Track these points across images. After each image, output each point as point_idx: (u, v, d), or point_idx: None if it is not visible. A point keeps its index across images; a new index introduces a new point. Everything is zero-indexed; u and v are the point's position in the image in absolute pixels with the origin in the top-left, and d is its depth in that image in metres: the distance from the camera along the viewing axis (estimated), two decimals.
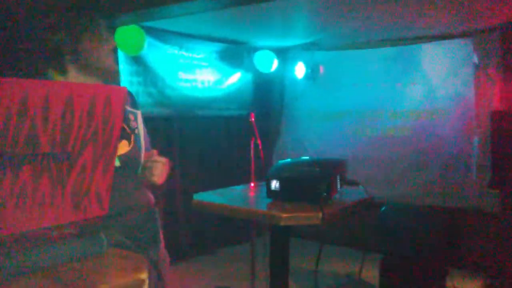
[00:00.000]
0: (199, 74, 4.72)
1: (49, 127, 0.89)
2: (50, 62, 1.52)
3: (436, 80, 4.56)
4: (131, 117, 1.67)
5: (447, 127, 4.49)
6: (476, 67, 4.31)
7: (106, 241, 1.09)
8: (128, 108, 1.67)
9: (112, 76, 1.60)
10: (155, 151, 1.64)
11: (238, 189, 2.59)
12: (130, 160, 1.61)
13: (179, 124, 4.60)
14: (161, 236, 1.78)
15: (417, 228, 3.92)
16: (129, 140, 1.63)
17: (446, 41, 4.45)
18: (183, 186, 4.55)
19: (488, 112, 4.15)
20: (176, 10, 3.19)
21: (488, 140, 4.08)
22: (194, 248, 4.71)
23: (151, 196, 1.78)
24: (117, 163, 1.51)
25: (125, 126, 1.61)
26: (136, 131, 1.67)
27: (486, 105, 4.24)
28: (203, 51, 4.75)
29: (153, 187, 1.72)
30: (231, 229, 4.82)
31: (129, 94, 1.70)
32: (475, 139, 4.31)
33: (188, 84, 4.62)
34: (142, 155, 1.67)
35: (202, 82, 4.77)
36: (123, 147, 1.59)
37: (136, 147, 1.64)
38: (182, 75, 4.56)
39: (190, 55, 4.62)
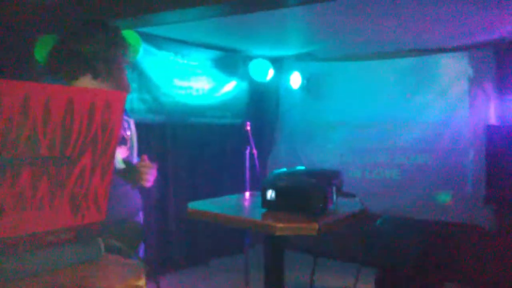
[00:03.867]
0: (194, 81, 4.69)
1: (49, 131, 0.90)
2: (86, 69, 1.68)
3: (432, 93, 4.56)
4: (125, 124, 1.79)
5: (442, 140, 4.48)
6: (471, 81, 4.33)
7: (103, 246, 1.10)
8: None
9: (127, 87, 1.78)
10: (145, 156, 1.74)
11: (233, 198, 2.55)
12: (129, 164, 1.73)
13: (173, 131, 4.56)
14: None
15: (412, 242, 3.89)
16: (127, 145, 1.75)
17: (442, 55, 4.47)
18: (176, 194, 4.49)
19: (483, 126, 4.15)
20: (171, 17, 3.18)
21: (483, 154, 4.07)
22: (186, 259, 4.63)
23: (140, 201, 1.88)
24: (122, 165, 1.65)
25: (124, 134, 1.74)
26: (130, 138, 1.79)
27: (481, 119, 4.24)
28: (198, 59, 4.72)
29: (142, 192, 1.83)
30: (224, 239, 4.76)
31: None
32: (471, 153, 4.30)
33: (182, 91, 4.59)
34: (135, 162, 1.78)
35: (197, 90, 4.73)
36: (125, 152, 1.72)
37: (130, 153, 1.77)
38: (177, 82, 4.53)
39: (185, 62, 4.59)
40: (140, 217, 1.87)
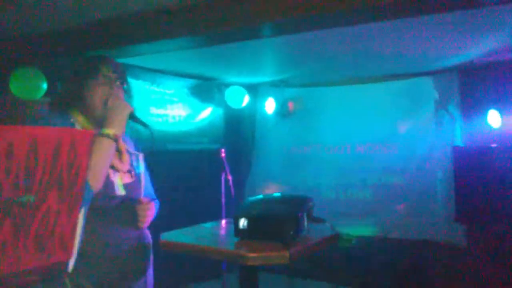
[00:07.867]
0: (170, 109, 4.76)
1: (13, 172, 0.90)
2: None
3: (401, 116, 4.73)
4: (133, 157, 1.93)
5: (412, 162, 4.62)
6: (437, 104, 4.51)
7: (70, 286, 1.12)
8: (130, 150, 1.94)
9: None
10: (142, 199, 1.84)
11: (207, 227, 2.58)
12: (133, 190, 1.81)
13: (149, 158, 4.55)
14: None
15: (386, 261, 3.97)
16: (131, 173, 1.84)
17: (409, 80, 4.66)
18: (152, 222, 4.47)
19: (450, 147, 4.31)
20: (149, 48, 3.24)
21: (451, 174, 4.22)
22: (162, 286, 4.58)
23: (147, 233, 2.02)
24: (122, 191, 1.73)
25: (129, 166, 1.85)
26: (137, 169, 1.89)
27: (448, 141, 4.41)
28: (174, 87, 4.80)
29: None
30: (201, 265, 4.74)
31: (133, 139, 2.05)
32: (439, 173, 4.45)
33: (159, 119, 4.64)
34: (142, 191, 1.88)
35: (173, 117, 4.80)
36: (127, 178, 1.80)
37: (137, 181, 1.85)
38: (153, 110, 4.59)
39: (162, 90, 4.67)
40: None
